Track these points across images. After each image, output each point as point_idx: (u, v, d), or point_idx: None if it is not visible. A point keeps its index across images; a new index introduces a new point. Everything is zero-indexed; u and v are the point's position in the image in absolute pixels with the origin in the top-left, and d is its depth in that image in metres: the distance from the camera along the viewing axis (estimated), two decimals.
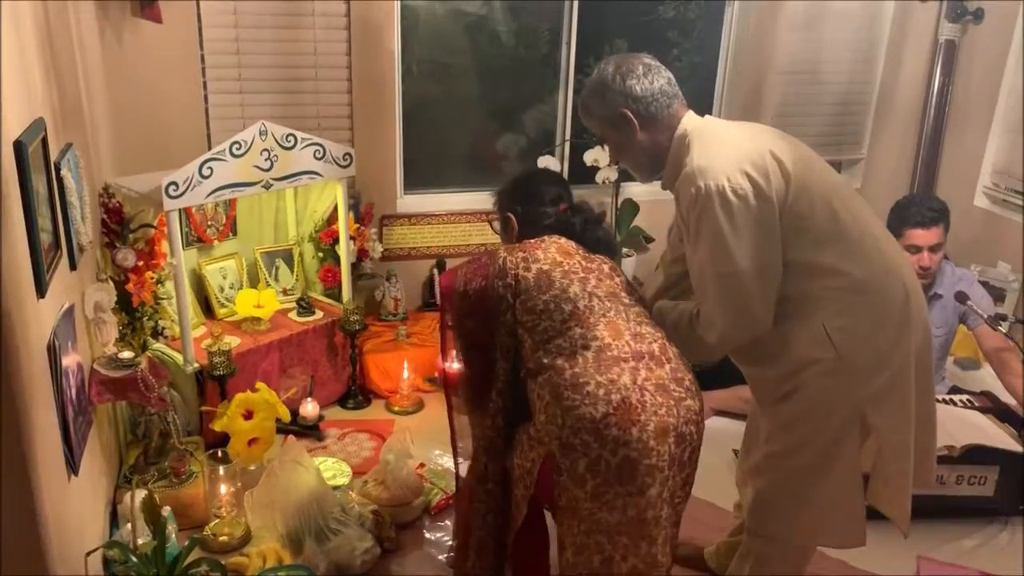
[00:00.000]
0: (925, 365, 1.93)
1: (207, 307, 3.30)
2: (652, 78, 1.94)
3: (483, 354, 1.99)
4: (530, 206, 2.13)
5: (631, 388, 1.79)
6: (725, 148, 1.85)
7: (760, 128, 1.99)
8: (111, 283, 2.54)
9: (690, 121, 1.96)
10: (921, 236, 3.02)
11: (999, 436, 2.71)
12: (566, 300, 1.89)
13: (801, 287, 1.85)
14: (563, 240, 2.03)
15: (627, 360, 1.83)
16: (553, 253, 1.98)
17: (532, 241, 2.03)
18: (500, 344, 1.95)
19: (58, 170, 1.96)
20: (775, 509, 1.99)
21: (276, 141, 2.96)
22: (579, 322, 1.88)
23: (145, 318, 2.79)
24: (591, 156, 3.83)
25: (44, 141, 1.83)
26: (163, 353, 2.88)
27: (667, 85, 1.96)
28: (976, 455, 2.64)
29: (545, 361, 1.87)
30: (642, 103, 1.94)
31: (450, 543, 2.53)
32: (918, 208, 3.06)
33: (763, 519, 2.03)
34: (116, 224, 2.65)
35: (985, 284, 3.56)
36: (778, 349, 1.89)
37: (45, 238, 1.77)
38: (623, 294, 1.98)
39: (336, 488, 2.64)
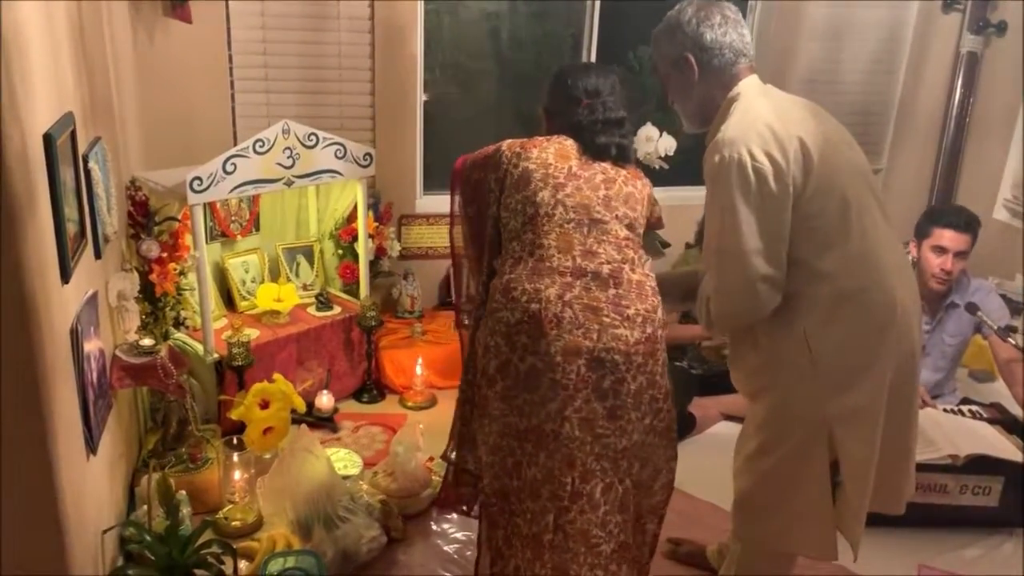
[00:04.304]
0: (905, 391, 1.88)
1: (229, 300, 3.39)
2: (726, 30, 1.87)
3: (480, 244, 2.07)
4: (554, 101, 2.11)
5: (553, 302, 1.83)
6: (757, 124, 1.78)
7: (801, 107, 1.90)
8: (135, 273, 2.62)
9: (747, 85, 1.88)
10: (950, 238, 3.03)
11: (1005, 447, 2.71)
12: (531, 203, 1.93)
13: (793, 288, 1.82)
14: (568, 142, 2.02)
15: (564, 274, 1.87)
16: (548, 154, 1.98)
17: (540, 138, 2.03)
18: (488, 236, 2.02)
19: (86, 162, 2.04)
20: (748, 512, 2.00)
21: (298, 140, 3.04)
22: (534, 227, 1.92)
23: (167, 308, 2.87)
24: None
25: (73, 134, 1.91)
26: (184, 343, 2.97)
27: (738, 41, 1.88)
28: (981, 465, 2.64)
29: (497, 263, 1.94)
30: (707, 53, 1.87)
31: (455, 534, 2.59)
32: (953, 212, 3.11)
33: (739, 521, 2.03)
34: (142, 216, 2.74)
35: (1003, 297, 3.54)
36: (757, 341, 1.88)
37: (71, 227, 1.85)
38: (599, 208, 1.94)
39: (347, 478, 2.71)
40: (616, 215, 1.96)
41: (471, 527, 2.53)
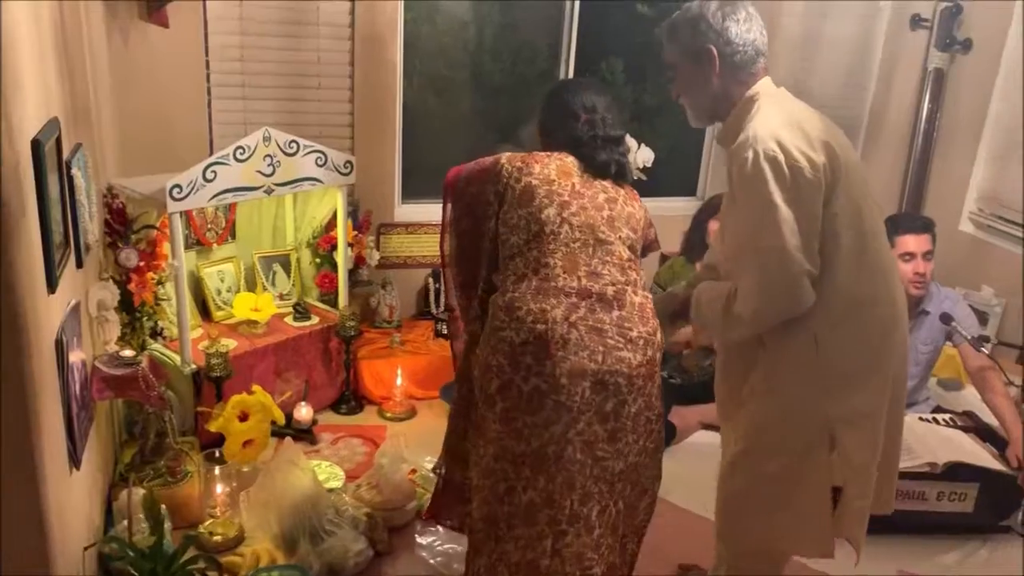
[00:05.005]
0: (898, 394, 1.91)
1: (204, 309, 3.32)
2: (749, 26, 1.86)
3: (473, 257, 2.02)
4: (551, 118, 2.09)
5: (559, 323, 1.81)
6: (789, 123, 1.77)
7: (814, 112, 1.89)
8: (112, 282, 2.56)
9: (764, 86, 1.88)
10: (913, 242, 3.09)
11: (980, 454, 2.77)
12: (536, 220, 1.90)
13: None
14: (569, 159, 2.00)
15: (569, 295, 1.85)
16: (551, 170, 1.95)
17: (540, 153, 2.01)
18: (484, 250, 1.99)
19: (69, 169, 1.99)
20: (742, 513, 1.97)
21: (279, 147, 3.00)
22: (539, 245, 1.89)
23: (145, 318, 2.81)
24: None
25: (58, 140, 1.87)
26: (161, 353, 2.91)
27: (760, 40, 1.87)
28: (957, 472, 2.69)
29: (498, 280, 1.91)
30: (731, 47, 1.85)
31: (441, 547, 2.57)
32: (908, 218, 3.22)
33: (732, 523, 2.00)
34: (119, 224, 2.68)
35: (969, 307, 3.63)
36: (763, 342, 1.86)
37: (56, 236, 1.81)
38: (603, 228, 1.93)
39: (330, 491, 2.67)
40: (620, 236, 1.96)
41: (456, 539, 2.52)
